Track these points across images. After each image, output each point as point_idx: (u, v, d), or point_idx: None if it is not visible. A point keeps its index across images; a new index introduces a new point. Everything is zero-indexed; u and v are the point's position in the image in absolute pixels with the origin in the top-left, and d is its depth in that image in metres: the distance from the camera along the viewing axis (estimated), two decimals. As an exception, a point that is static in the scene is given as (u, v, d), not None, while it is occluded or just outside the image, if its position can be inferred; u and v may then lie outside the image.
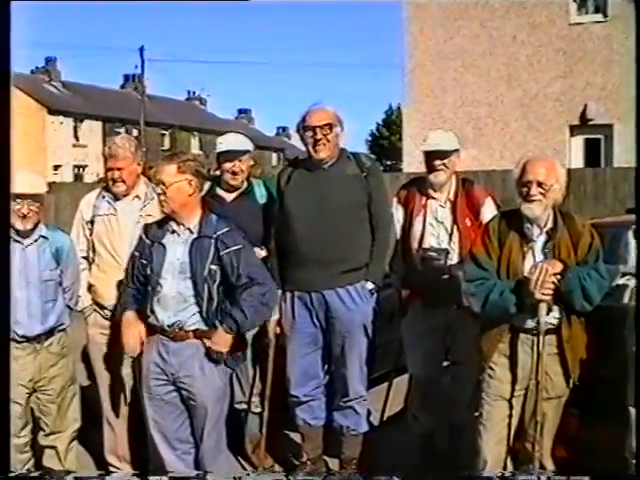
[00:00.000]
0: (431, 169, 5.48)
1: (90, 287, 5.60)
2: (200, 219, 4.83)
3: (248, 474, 5.79)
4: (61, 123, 52.87)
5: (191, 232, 4.81)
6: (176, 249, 4.81)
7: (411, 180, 5.87)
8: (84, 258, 5.60)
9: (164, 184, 4.75)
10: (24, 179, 5.21)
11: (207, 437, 4.92)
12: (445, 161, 5.45)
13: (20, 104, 51.18)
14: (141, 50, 49.49)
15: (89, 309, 5.61)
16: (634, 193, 5.07)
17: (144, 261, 4.86)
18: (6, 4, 3.91)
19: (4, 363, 3.91)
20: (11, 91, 3.92)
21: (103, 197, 5.62)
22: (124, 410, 5.66)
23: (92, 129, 54.84)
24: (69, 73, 58.85)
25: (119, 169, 5.47)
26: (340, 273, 5.39)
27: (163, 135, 58.77)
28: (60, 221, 12.25)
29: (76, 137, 54.10)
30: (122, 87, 64.34)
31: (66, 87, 57.01)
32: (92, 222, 5.57)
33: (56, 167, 49.69)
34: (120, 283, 5.21)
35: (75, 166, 52.83)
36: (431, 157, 5.47)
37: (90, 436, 5.86)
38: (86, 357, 6.17)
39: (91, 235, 5.59)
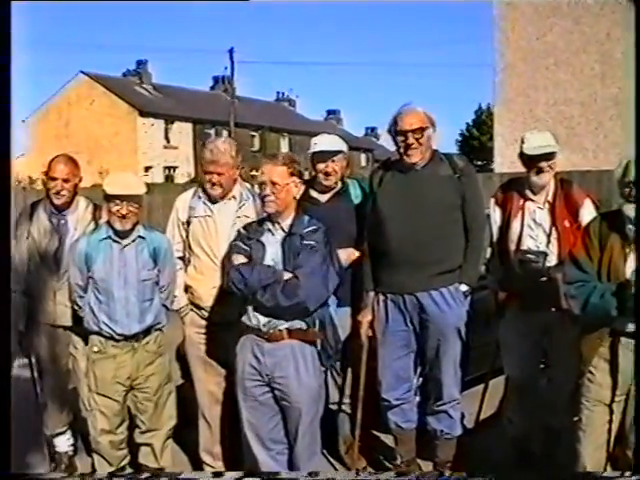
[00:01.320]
0: (536, 171, 5.38)
1: (187, 288, 5.63)
2: (294, 219, 4.87)
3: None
4: (152, 125, 53.59)
5: (284, 231, 4.85)
6: (271, 248, 4.84)
7: (508, 181, 5.78)
8: (180, 258, 5.63)
9: (275, 185, 4.77)
10: (123, 180, 5.32)
11: (301, 438, 4.91)
12: (550, 163, 5.37)
13: (112, 106, 52.24)
14: (231, 52, 49.90)
15: (185, 309, 5.65)
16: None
17: (245, 252, 4.87)
18: (6, 4, 3.95)
19: (4, 363, 3.95)
20: (10, 88, 3.98)
21: (199, 198, 5.62)
22: (219, 409, 5.69)
23: (182, 131, 55.50)
24: (160, 75, 59.70)
25: (219, 174, 5.46)
26: (434, 275, 5.33)
27: (253, 136, 59.09)
28: (153, 222, 12.39)
29: (167, 139, 54.76)
30: (212, 89, 64.92)
31: (157, 89, 57.78)
32: (188, 223, 5.60)
33: (147, 168, 50.38)
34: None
35: (166, 167, 53.53)
36: (535, 159, 5.37)
37: (185, 434, 5.91)
38: (180, 356, 6.24)
39: (187, 236, 5.61)
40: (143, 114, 52.96)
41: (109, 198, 5.14)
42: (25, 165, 50.73)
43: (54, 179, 5.71)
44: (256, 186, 5.18)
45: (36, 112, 56.42)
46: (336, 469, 5.90)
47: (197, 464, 5.91)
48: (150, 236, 5.33)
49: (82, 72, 55.14)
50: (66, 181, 5.73)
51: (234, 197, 5.59)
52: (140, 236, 5.27)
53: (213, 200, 5.57)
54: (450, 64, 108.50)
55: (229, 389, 5.47)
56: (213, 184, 5.50)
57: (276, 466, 5.00)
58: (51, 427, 6.00)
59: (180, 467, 5.97)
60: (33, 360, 5.95)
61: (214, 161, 5.47)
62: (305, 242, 4.75)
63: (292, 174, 4.82)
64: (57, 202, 5.74)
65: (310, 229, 4.81)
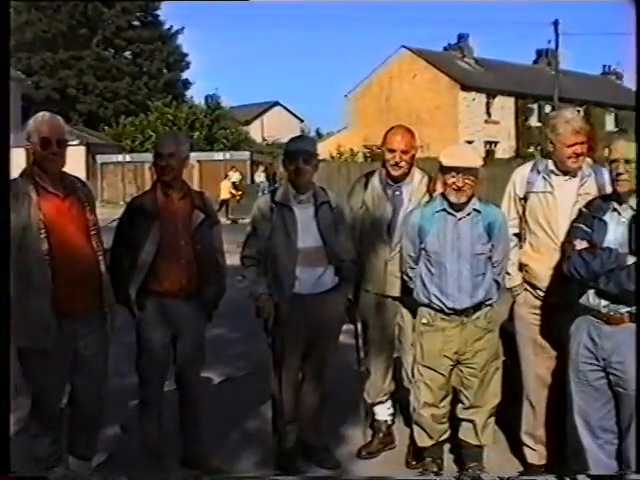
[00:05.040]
0: None
1: (521, 266, 5.47)
2: None
3: None
4: (473, 99, 53.55)
5: (632, 209, 4.58)
6: (617, 228, 4.61)
7: None
8: (515, 235, 5.50)
9: (631, 164, 4.53)
10: (460, 152, 5.29)
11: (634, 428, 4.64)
12: None
13: (433, 81, 52.76)
14: (555, 24, 48.52)
15: (519, 288, 5.49)
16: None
17: (586, 236, 4.68)
18: (6, 4, 3.90)
19: (4, 362, 3.89)
20: (10, 85, 3.91)
21: (538, 172, 5.42)
22: (546, 392, 5.51)
23: (504, 105, 55.02)
24: (481, 49, 59.41)
25: (581, 143, 5.21)
26: None
27: (577, 111, 57.24)
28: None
29: (488, 113, 54.53)
30: (535, 62, 63.74)
31: (479, 63, 57.58)
32: (525, 198, 5.42)
33: (468, 143, 50.38)
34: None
35: (486, 142, 53.32)
36: None
37: (507, 414, 5.77)
38: (503, 333, 6.10)
39: (524, 212, 5.45)
40: (465, 88, 53.04)
41: (445, 170, 5.12)
42: (347, 138, 52.57)
43: (392, 151, 5.73)
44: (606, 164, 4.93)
45: (358, 87, 58.08)
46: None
47: (517, 445, 5.78)
48: (486, 210, 5.24)
49: (404, 47, 55.99)
50: (404, 152, 5.73)
51: (574, 174, 5.35)
52: (475, 209, 5.21)
53: (554, 174, 5.34)
54: None
55: (558, 372, 5.30)
56: (577, 156, 5.25)
57: (603, 456, 4.79)
58: (372, 395, 6.08)
59: (500, 446, 5.88)
60: (359, 328, 6.04)
61: (578, 131, 5.23)
62: None
63: None
64: (394, 173, 5.76)
65: None
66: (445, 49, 59.61)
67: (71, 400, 5.19)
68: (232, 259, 5.89)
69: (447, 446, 5.75)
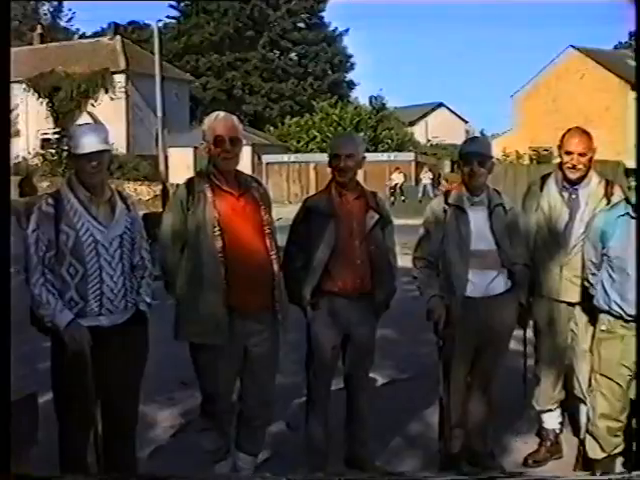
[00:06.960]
0: None
1: None
2: None
3: None
4: (644, 100, 51.94)
5: None
6: None
7: None
8: None
9: None
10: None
11: None
12: None
13: (602, 81, 51.28)
14: None
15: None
16: None
17: None
18: (6, 4, 3.79)
19: (4, 362, 3.78)
20: (9, 86, 3.79)
21: None
22: None
23: (677, 106, 53.18)
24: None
25: None
26: None
27: None
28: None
29: (658, 115, 52.73)
30: None
31: (650, 62, 55.74)
32: None
33: (640, 145, 48.92)
34: None
35: (657, 146, 51.74)
36: None
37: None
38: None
39: None
40: (635, 88, 51.35)
41: (630, 173, 4.96)
42: (512, 140, 51.69)
43: (569, 153, 5.59)
44: None
45: (524, 87, 57.06)
46: None
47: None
48: None
49: (572, 46, 54.68)
50: (582, 155, 5.57)
51: None
52: None
53: None
54: None
55: None
56: None
57: None
58: (542, 403, 5.94)
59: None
60: (528, 334, 5.90)
61: None
62: None
63: None
64: (571, 176, 5.61)
65: None
66: (615, 48, 57.97)
67: (241, 396, 5.26)
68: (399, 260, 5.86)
69: (619, 460, 5.49)
